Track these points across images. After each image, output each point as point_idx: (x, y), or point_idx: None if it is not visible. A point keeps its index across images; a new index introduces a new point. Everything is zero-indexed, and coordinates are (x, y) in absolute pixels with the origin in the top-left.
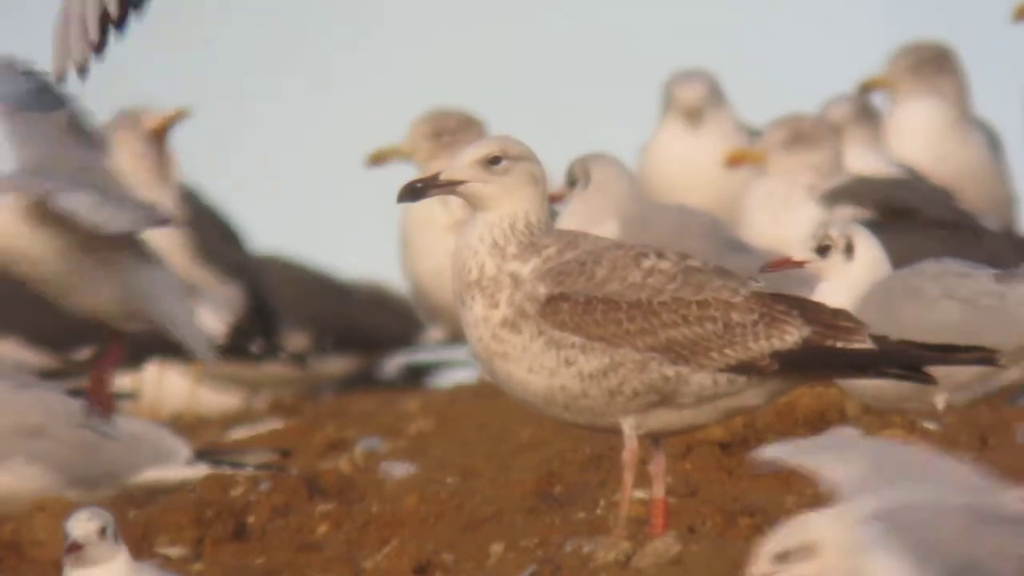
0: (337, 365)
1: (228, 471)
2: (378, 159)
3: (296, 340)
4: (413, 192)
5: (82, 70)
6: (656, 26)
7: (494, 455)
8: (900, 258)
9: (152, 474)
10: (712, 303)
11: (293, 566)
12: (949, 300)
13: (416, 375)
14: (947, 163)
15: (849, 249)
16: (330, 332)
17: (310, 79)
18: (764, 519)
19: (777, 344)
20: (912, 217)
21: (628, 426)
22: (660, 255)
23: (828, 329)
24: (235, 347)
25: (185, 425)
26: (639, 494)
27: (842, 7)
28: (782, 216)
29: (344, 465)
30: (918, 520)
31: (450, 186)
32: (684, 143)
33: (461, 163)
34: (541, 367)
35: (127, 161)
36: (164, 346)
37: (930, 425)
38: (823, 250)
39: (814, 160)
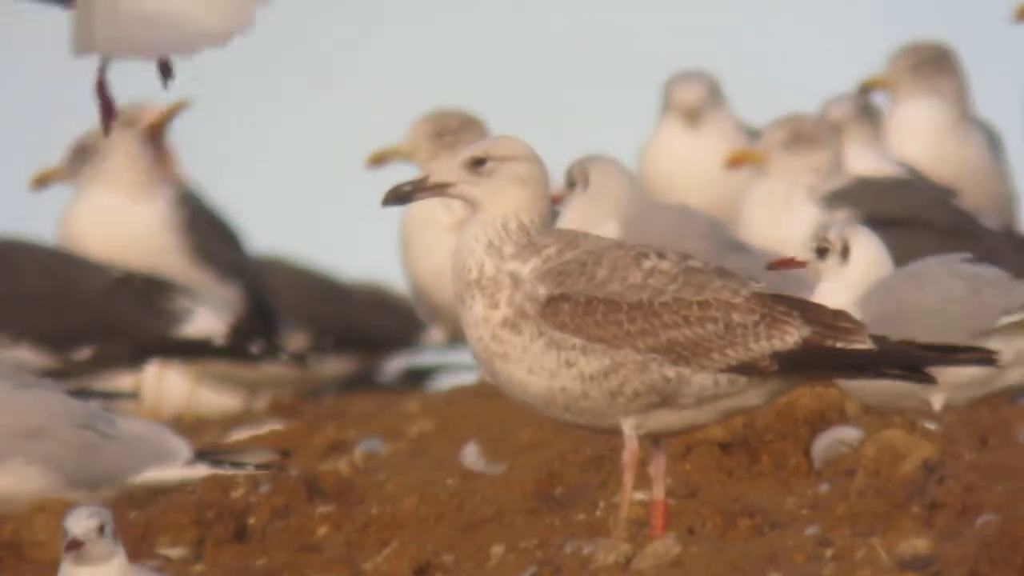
0: (337, 366)
1: (228, 471)
2: (379, 160)
3: (296, 341)
4: (400, 196)
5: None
6: (656, 26)
7: (494, 456)
8: (900, 258)
9: (152, 474)
10: (713, 304)
11: (293, 567)
12: (953, 279)
13: (416, 379)
14: (947, 163)
15: (845, 252)
16: (330, 332)
17: (310, 79)
18: (764, 520)
19: (778, 345)
20: (911, 222)
21: (628, 427)
22: (661, 255)
23: (828, 329)
24: (235, 348)
25: (185, 426)
26: (639, 496)
27: (842, 7)
28: (782, 217)
29: (344, 466)
30: None
31: (438, 189)
32: (684, 143)
33: (448, 166)
34: (541, 368)
35: (122, 163)
36: (164, 346)
37: (930, 425)
38: (821, 252)
39: (814, 160)
